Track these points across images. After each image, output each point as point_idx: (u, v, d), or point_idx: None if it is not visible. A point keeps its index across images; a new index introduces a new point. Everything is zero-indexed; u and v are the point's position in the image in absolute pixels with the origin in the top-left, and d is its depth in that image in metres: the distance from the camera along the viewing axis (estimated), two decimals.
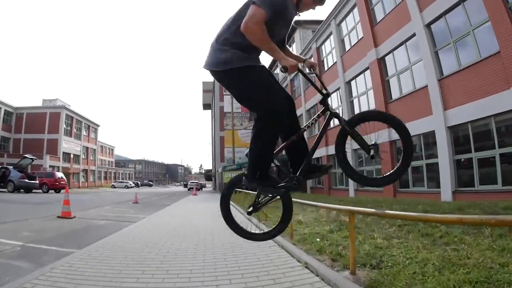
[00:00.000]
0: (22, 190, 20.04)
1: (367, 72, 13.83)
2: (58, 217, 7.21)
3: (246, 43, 1.86)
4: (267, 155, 2.05)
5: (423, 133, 10.50)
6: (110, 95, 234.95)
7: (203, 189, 49.65)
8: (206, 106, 51.09)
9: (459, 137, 9.47)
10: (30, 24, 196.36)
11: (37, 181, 20.99)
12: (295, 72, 1.93)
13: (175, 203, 14.06)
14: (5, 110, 37.39)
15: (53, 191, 22.53)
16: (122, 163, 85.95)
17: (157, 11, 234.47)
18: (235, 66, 1.91)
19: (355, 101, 15.22)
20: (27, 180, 19.90)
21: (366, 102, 14.20)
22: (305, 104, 26.47)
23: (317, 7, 2.07)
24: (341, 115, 2.18)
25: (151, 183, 73.01)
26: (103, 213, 8.96)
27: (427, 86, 10.15)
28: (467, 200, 7.88)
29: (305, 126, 2.20)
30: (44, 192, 21.48)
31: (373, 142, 2.02)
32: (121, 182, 53.96)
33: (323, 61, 19.41)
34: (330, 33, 17.71)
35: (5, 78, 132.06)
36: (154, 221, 7.17)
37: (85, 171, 47.62)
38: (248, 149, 2.09)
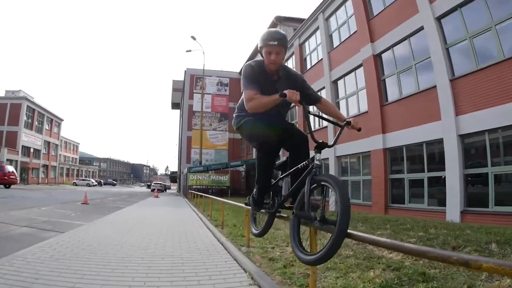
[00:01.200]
0: None
1: (359, 70, 12.52)
2: None
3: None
4: (261, 179, 2.47)
5: (426, 141, 9.22)
6: (77, 90, 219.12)
7: (167, 190, 47.97)
8: (175, 106, 48.35)
9: (472, 148, 8.27)
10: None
11: None
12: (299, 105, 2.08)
13: (131, 206, 12.11)
14: None
15: (1, 186, 21.30)
16: (87, 160, 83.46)
17: (127, 5, 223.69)
18: (236, 126, 2.61)
19: (342, 103, 13.86)
20: None
21: (355, 103, 12.87)
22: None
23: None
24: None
25: (115, 182, 70.73)
26: (34, 216, 7.40)
27: (435, 87, 8.87)
28: (479, 223, 6.63)
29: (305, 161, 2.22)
30: None
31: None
32: (83, 180, 51.98)
33: (305, 59, 18.03)
34: (317, 28, 16.34)
35: None
36: (89, 232, 5.32)
37: (46, 166, 44.96)
38: None
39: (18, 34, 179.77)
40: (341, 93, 14.08)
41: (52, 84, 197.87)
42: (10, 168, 22.81)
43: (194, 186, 20.55)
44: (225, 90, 31.60)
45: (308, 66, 17.48)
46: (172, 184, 65.00)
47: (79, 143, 69.00)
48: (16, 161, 35.16)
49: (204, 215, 8.80)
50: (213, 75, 30.76)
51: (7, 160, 32.79)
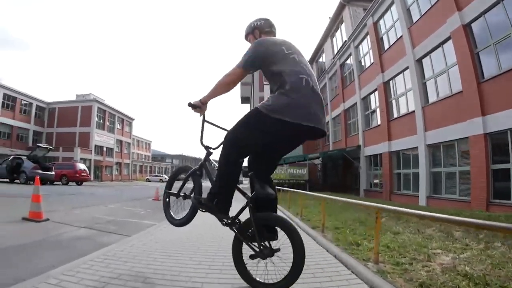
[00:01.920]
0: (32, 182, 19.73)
1: (448, 45, 10.91)
2: (24, 219, 5.29)
3: None
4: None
5: None
6: (148, 91, 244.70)
7: (239, 185, 48.88)
8: (245, 100, 49.37)
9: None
10: (65, 23, 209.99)
11: (53, 173, 20.14)
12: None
13: None
14: (37, 105, 39.23)
15: (74, 183, 22.07)
16: (159, 157, 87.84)
17: (196, 6, 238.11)
18: None
19: (430, 83, 12.32)
20: (40, 171, 18.56)
21: (446, 83, 11.29)
22: (332, 113, 24.09)
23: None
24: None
25: None
26: (99, 215, 6.80)
27: None
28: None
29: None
30: (63, 184, 20.92)
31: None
32: (156, 176, 54.13)
33: (381, 38, 16.53)
34: (392, 3, 14.81)
35: (42, 77, 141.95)
36: (158, 236, 4.36)
37: (119, 164, 48.25)
38: None
39: (86, 41, 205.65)
40: (428, 73, 12.51)
41: (122, 86, 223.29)
42: (81, 166, 23.79)
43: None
44: None
45: (386, 47, 15.99)
46: (244, 179, 64.96)
47: (151, 141, 71.74)
48: (90, 159, 38.38)
49: (292, 213, 7.85)
50: None
51: (81, 159, 35.57)
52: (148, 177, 54.00)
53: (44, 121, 40.72)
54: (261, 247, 2.19)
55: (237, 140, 2.14)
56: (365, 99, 18.81)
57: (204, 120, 2.49)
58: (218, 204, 2.27)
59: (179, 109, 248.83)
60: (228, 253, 2.53)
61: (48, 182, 19.44)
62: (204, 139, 2.51)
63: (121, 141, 48.77)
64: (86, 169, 24.13)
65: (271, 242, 2.23)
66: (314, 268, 2.94)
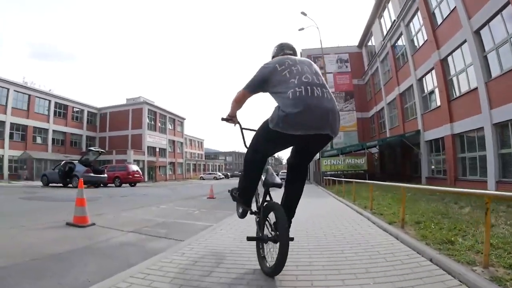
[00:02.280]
0: (85, 186, 18.80)
1: (508, 10, 9.74)
2: (68, 224, 5.05)
3: None
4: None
5: None
6: (198, 90, 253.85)
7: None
8: None
9: None
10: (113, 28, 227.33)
11: (105, 175, 20.10)
12: None
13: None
14: (88, 111, 41.45)
15: (127, 185, 22.08)
16: (212, 155, 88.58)
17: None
18: None
19: (491, 56, 11.12)
20: (92, 174, 18.66)
21: (509, 52, 10.09)
22: (386, 98, 22.32)
23: None
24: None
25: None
26: (149, 216, 6.41)
27: None
28: None
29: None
30: (116, 186, 20.97)
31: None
32: (210, 173, 54.64)
33: (433, 13, 15.27)
34: None
35: (92, 85, 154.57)
36: (215, 241, 3.78)
37: (172, 163, 49.01)
38: None
39: (131, 44, 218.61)
40: (488, 45, 11.28)
41: (171, 87, 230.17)
42: (134, 167, 23.63)
43: (328, 172, 19.75)
44: (346, 67, 30.03)
45: (439, 21, 14.74)
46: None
47: (203, 139, 72.72)
48: (143, 161, 39.41)
49: (359, 206, 7.09)
50: (331, 52, 29.63)
51: (134, 160, 35.86)
52: (202, 175, 54.59)
53: (96, 126, 42.94)
54: (265, 234, 2.53)
55: (252, 145, 2.53)
56: (421, 80, 17.55)
57: (241, 128, 2.81)
58: (240, 196, 2.79)
59: (225, 105, 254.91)
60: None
61: (102, 185, 19.82)
62: (247, 142, 2.70)
63: (173, 141, 49.54)
64: (139, 170, 24.22)
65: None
66: (413, 277, 2.36)
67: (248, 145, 2.63)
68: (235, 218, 4.96)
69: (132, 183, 22.43)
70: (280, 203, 2.50)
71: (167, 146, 46.99)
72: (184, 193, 15.05)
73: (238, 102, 2.55)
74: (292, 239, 2.27)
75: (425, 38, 16.28)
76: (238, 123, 2.78)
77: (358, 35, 30.54)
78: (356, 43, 30.17)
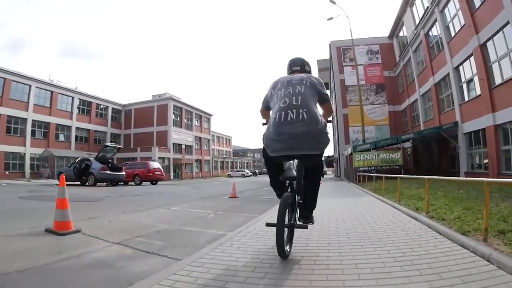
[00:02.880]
0: (104, 183, 18.33)
1: None
2: (47, 230, 4.17)
3: None
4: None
5: None
6: (226, 87, 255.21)
7: (324, 176, 47.18)
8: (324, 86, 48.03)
9: None
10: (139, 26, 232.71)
11: (123, 173, 19.14)
12: None
13: None
14: (113, 108, 40.91)
15: (148, 183, 21.35)
16: (240, 152, 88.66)
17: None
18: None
19: None
20: (108, 172, 17.87)
21: None
22: (420, 89, 21.28)
23: None
24: None
25: None
26: (151, 221, 5.43)
27: None
28: None
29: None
30: (136, 185, 20.10)
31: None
32: (238, 171, 53.89)
33: None
34: None
35: (120, 83, 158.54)
36: (229, 255, 2.92)
37: (199, 161, 48.28)
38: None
39: (159, 41, 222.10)
40: None
41: (199, 85, 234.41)
42: (155, 165, 22.58)
43: (361, 168, 18.49)
44: (377, 58, 28.96)
45: (478, 3, 13.79)
46: (327, 169, 62.08)
47: (231, 137, 72.43)
48: (168, 158, 38.52)
49: (409, 208, 5.77)
50: (361, 43, 28.64)
51: (159, 158, 35.30)
52: (229, 172, 53.82)
53: (121, 123, 42.33)
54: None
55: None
56: (458, 69, 16.54)
57: None
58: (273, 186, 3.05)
59: (257, 102, 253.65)
60: None
61: (121, 183, 19.01)
62: None
63: (200, 138, 48.77)
64: (160, 167, 23.06)
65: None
66: None
67: None
68: (257, 225, 4.43)
69: (154, 181, 21.69)
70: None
71: (193, 143, 46.26)
72: (206, 192, 14.11)
73: (264, 116, 3.11)
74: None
75: (462, 23, 15.30)
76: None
77: (388, 26, 29.24)
78: (387, 34, 29.01)
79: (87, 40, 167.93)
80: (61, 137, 33.97)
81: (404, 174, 17.01)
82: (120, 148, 20.54)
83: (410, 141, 21.39)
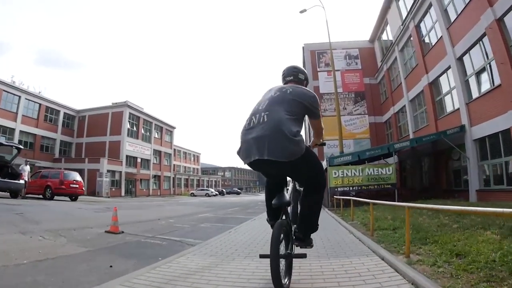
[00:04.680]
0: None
1: None
2: None
3: None
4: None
5: None
6: (198, 104, 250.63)
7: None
8: None
9: None
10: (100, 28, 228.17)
11: (21, 181, 14.42)
12: None
13: (228, 235, 5.76)
14: (65, 113, 36.76)
15: (66, 197, 16.96)
16: (210, 170, 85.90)
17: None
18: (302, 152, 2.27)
19: None
20: None
21: None
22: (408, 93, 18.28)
23: None
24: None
25: (239, 191, 68.09)
26: None
27: None
28: None
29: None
30: (47, 199, 15.86)
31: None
32: (202, 190, 50.27)
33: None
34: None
35: (85, 91, 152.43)
36: None
37: (157, 177, 44.45)
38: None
39: (130, 53, 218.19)
40: None
41: (172, 101, 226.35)
42: (72, 175, 17.97)
43: (339, 188, 13.88)
44: (356, 64, 25.70)
45: None
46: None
47: (200, 153, 69.16)
48: (120, 172, 34.94)
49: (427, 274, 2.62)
50: (338, 47, 25.30)
51: (108, 171, 32.18)
52: (193, 191, 50.03)
53: (74, 130, 38.36)
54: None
55: None
56: (462, 59, 13.06)
57: None
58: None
59: (229, 119, 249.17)
60: None
61: (20, 195, 14.48)
62: None
63: (159, 152, 45.04)
64: (80, 179, 18.39)
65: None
66: None
67: None
68: None
69: (73, 196, 17.26)
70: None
71: (151, 157, 42.15)
72: (97, 219, 8.49)
73: None
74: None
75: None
76: None
77: (368, 31, 26.19)
78: (367, 38, 26.01)
79: (64, 48, 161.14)
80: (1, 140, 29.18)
81: (397, 197, 12.88)
82: (21, 149, 15.43)
83: (395, 154, 17.12)
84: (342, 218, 8.99)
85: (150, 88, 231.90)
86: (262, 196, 53.55)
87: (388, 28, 22.23)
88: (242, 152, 2.30)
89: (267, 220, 2.84)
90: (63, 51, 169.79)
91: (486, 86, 11.75)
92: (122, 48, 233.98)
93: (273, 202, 2.37)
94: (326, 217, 10.13)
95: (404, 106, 18.98)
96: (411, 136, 17.85)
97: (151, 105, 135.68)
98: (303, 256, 2.50)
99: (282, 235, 2.28)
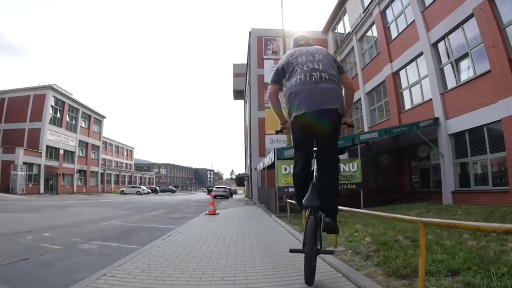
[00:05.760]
0: None
1: None
2: None
3: None
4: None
5: None
6: (138, 96, 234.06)
7: (233, 196, 41.49)
8: (238, 95, 42.33)
9: None
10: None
11: None
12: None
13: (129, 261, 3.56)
14: None
15: None
16: (145, 167, 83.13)
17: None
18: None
19: None
20: None
21: None
22: (365, 85, 17.28)
23: None
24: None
25: (174, 189, 65.65)
26: None
27: None
28: None
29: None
30: None
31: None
32: (133, 187, 46.29)
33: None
34: None
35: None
36: None
37: (83, 172, 39.31)
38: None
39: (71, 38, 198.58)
40: None
41: (105, 92, 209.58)
42: None
43: (290, 189, 11.00)
44: None
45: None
46: (238, 188, 60.24)
47: (133, 148, 65.88)
48: (39, 165, 30.43)
49: None
50: (288, 36, 23.18)
51: (25, 163, 28.04)
52: (123, 188, 45.76)
53: None
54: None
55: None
56: (436, 45, 11.80)
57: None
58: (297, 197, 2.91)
59: (168, 113, 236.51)
60: None
61: None
62: None
63: (86, 143, 39.90)
64: None
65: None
66: None
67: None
68: None
69: None
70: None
71: (76, 149, 37.08)
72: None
73: (273, 100, 2.84)
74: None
75: None
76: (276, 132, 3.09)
77: (319, 24, 24.57)
78: (320, 29, 24.57)
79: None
80: None
81: (363, 200, 10.88)
82: None
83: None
84: (294, 228, 6.66)
85: (84, 73, 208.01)
86: (198, 195, 51.51)
87: (346, 17, 20.87)
88: (305, 100, 2.48)
89: (296, 203, 2.96)
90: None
91: (467, 74, 10.50)
92: (65, 35, 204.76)
93: (303, 202, 2.52)
94: (272, 226, 7.58)
95: (359, 99, 17.61)
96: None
97: (87, 94, 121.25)
98: (331, 252, 2.84)
99: (314, 231, 2.42)
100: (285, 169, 11.53)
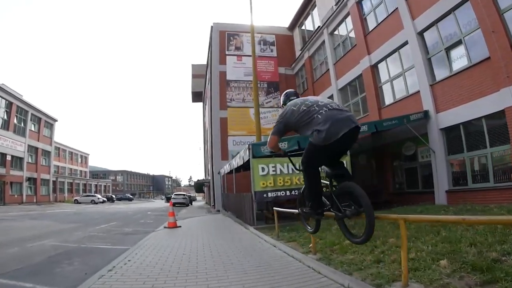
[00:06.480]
0: None
1: None
2: None
3: None
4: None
5: None
6: (93, 101, 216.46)
7: (192, 203, 39.80)
8: (197, 97, 40.10)
9: None
10: None
11: None
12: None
13: None
14: None
15: None
16: (101, 174, 79.04)
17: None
18: None
19: None
20: None
21: None
22: (338, 80, 16.42)
23: None
24: None
25: (131, 197, 62.86)
26: None
27: None
28: None
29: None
30: None
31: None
32: (87, 196, 43.68)
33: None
34: None
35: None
36: None
37: (33, 180, 35.77)
38: None
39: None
40: None
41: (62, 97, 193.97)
42: None
43: (270, 194, 9.52)
44: (272, 51, 22.79)
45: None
46: (197, 194, 58.17)
47: (88, 154, 62.93)
48: None
49: None
50: (257, 31, 21.88)
51: None
52: (77, 197, 42.89)
53: None
54: (345, 210, 2.87)
55: (308, 163, 2.96)
56: (422, 35, 11.05)
57: (289, 156, 3.63)
58: (313, 207, 3.15)
59: (123, 119, 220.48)
60: None
61: None
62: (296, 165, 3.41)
63: (36, 149, 36.43)
64: None
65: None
66: None
67: (298, 168, 3.18)
68: None
69: None
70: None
71: (25, 154, 33.75)
72: None
73: (273, 145, 3.26)
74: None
75: None
76: (285, 153, 3.58)
77: (285, 20, 23.50)
78: (286, 25, 23.53)
79: None
80: None
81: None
82: None
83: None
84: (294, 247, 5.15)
85: (34, 74, 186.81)
86: (156, 203, 48.56)
87: (315, 11, 19.96)
88: (339, 122, 2.68)
89: (313, 213, 3.19)
90: None
91: (460, 63, 9.75)
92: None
93: (335, 171, 3.01)
94: (257, 244, 5.87)
95: (331, 96, 16.60)
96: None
97: (38, 96, 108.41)
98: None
99: (343, 224, 3.03)
100: (263, 169, 9.72)
